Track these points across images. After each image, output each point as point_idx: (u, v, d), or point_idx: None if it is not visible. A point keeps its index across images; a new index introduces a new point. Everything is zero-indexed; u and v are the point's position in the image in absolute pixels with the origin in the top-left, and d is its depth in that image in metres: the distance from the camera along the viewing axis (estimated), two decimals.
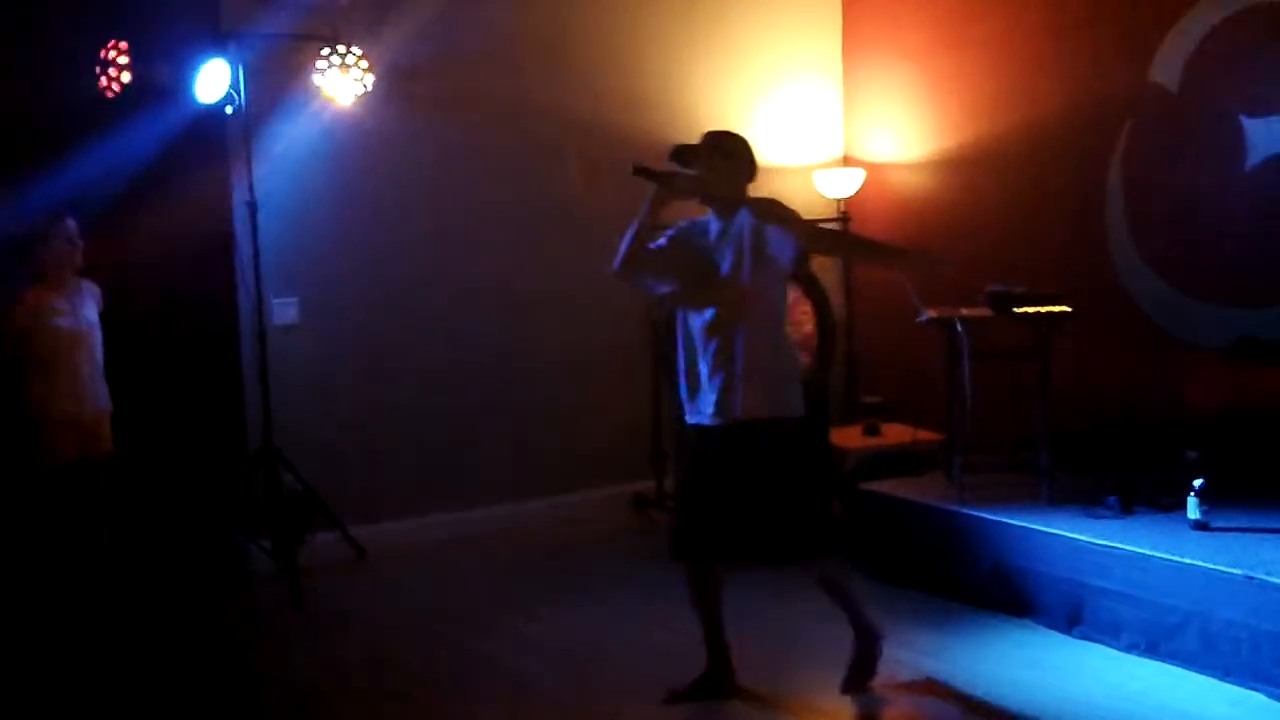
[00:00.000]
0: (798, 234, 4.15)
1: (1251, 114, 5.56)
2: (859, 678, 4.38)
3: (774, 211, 4.16)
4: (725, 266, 4.18)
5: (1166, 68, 5.89)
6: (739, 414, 4.15)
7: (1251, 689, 4.21)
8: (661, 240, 4.30)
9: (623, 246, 4.23)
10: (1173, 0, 5.85)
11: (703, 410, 4.24)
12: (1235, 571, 4.30)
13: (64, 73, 5.42)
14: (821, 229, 4.23)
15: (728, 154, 4.28)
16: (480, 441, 6.67)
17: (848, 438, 6.76)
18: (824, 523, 4.47)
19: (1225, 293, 5.69)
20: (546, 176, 6.79)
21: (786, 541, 4.26)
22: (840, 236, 4.22)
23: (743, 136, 4.36)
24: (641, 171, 4.20)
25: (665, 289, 4.41)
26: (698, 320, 4.26)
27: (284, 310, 6.07)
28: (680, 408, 4.42)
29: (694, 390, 4.28)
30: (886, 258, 4.83)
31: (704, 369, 4.23)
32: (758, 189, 4.34)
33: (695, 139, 4.35)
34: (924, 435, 6.45)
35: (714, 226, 4.28)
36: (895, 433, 6.72)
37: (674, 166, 4.25)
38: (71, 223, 5.09)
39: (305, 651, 4.98)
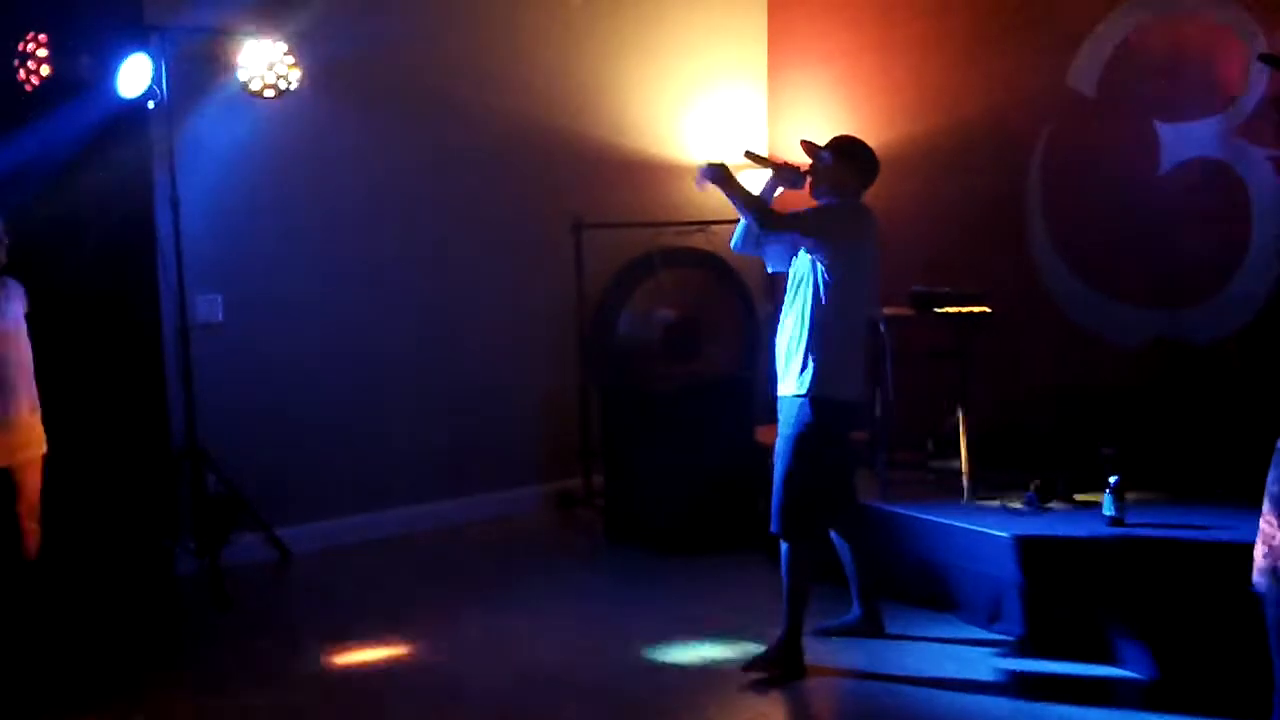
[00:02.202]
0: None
1: (1165, 120, 5.70)
2: (764, 663, 4.54)
3: (855, 206, 4.59)
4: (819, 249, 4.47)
5: (1083, 74, 6.02)
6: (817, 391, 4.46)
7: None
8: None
9: (740, 227, 4.64)
10: (1089, 8, 5.97)
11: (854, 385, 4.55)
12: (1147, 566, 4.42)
13: None
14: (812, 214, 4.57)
15: (854, 154, 4.62)
16: (406, 441, 6.64)
17: (771, 434, 6.79)
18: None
19: (1142, 294, 5.83)
20: (472, 174, 6.78)
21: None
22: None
23: (864, 144, 4.67)
24: (752, 157, 4.73)
25: (782, 266, 4.68)
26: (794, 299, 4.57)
27: (208, 308, 6.00)
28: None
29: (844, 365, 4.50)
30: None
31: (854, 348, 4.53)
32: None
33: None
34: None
35: (825, 208, 4.61)
36: None
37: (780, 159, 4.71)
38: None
39: (228, 653, 4.94)
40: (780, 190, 4.67)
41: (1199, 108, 5.59)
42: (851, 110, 7.26)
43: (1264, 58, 4.64)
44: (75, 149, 5.41)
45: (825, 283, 4.41)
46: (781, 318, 4.62)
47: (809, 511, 4.53)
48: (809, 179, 4.63)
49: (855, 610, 4.90)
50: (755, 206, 4.47)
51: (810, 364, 4.43)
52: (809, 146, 4.66)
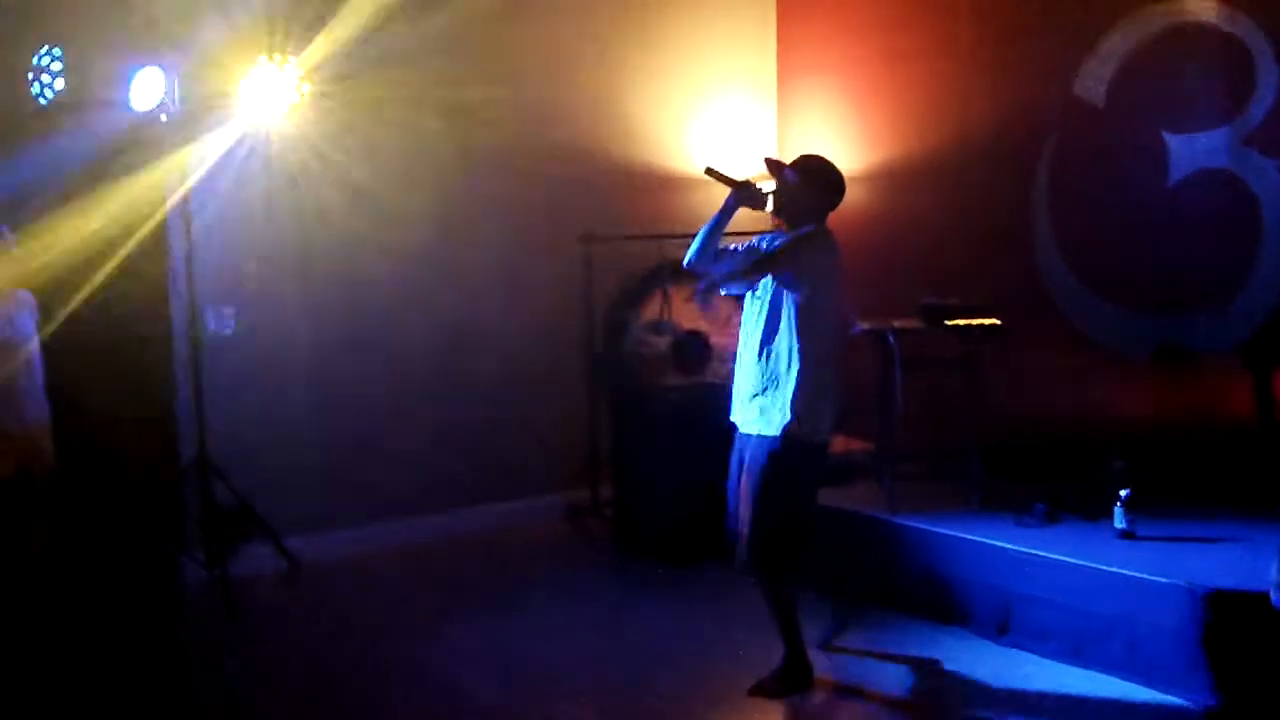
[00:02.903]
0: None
1: (1174, 131, 5.70)
2: (771, 684, 4.50)
3: (820, 235, 4.41)
4: (779, 279, 4.33)
5: (1091, 84, 6.02)
6: (809, 432, 4.32)
7: (1175, 696, 4.32)
8: (739, 244, 4.53)
9: (696, 243, 4.46)
10: (1097, 18, 5.98)
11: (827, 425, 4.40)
12: (1160, 579, 4.41)
13: None
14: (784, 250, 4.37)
15: (817, 174, 4.49)
16: (415, 452, 6.63)
17: None
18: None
19: (1148, 302, 5.83)
20: (482, 187, 6.79)
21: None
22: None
23: (830, 163, 4.54)
24: (713, 174, 4.52)
25: (735, 289, 4.51)
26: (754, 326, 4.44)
27: (219, 319, 6.02)
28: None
29: (818, 407, 4.36)
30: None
31: (828, 386, 4.36)
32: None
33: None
34: (855, 444, 6.51)
35: (781, 240, 4.46)
36: None
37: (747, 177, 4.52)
38: (5, 230, 4.97)
39: (238, 663, 4.94)
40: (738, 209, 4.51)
41: (1207, 118, 5.59)
42: (860, 120, 7.27)
43: (709, 173, 4.53)
44: (88, 161, 5.46)
45: (799, 319, 4.29)
46: (742, 349, 4.46)
47: (785, 547, 4.40)
48: (771, 199, 4.51)
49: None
50: (738, 257, 4.42)
51: (788, 404, 4.29)
52: (773, 165, 4.55)
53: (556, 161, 6.96)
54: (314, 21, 6.11)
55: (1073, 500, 5.28)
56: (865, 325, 5.53)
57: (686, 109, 7.51)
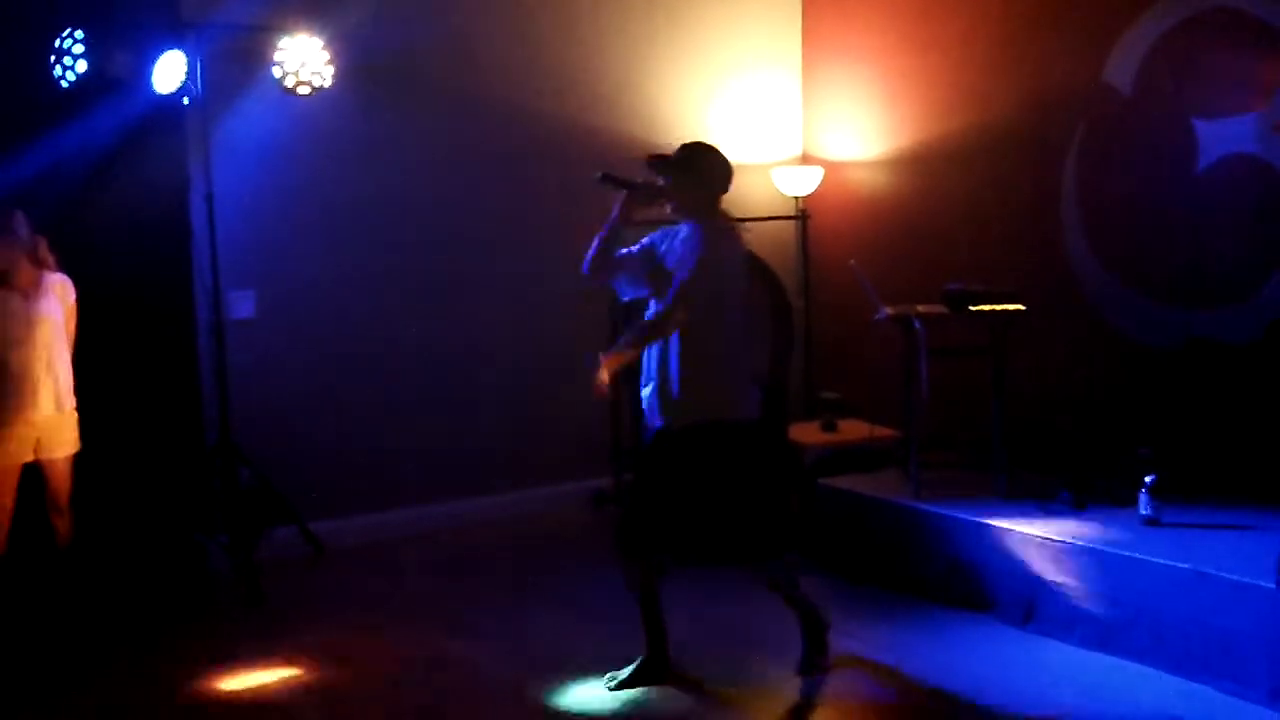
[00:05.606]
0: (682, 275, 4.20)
1: (1203, 117, 5.64)
2: (813, 662, 4.49)
3: (703, 239, 4.22)
4: (677, 275, 4.23)
5: (1120, 70, 5.96)
6: (683, 418, 4.27)
7: (1200, 682, 4.29)
8: (634, 247, 4.41)
9: (590, 250, 4.36)
10: (1127, 4, 5.91)
11: (653, 412, 4.35)
12: (1184, 566, 4.38)
13: (18, 62, 5.35)
14: (679, 292, 4.20)
15: (690, 167, 4.35)
16: (440, 437, 6.64)
17: (805, 433, 6.79)
18: (775, 525, 4.50)
19: (1177, 293, 5.77)
20: (508, 171, 6.78)
21: (738, 543, 4.38)
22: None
23: (714, 149, 4.42)
24: (608, 179, 4.34)
25: (636, 293, 4.47)
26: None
27: (241, 304, 6.02)
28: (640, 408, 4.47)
29: (650, 391, 4.36)
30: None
31: (653, 371, 4.33)
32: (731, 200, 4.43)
33: (655, 136, 4.41)
34: (880, 431, 6.49)
35: (682, 233, 4.35)
36: (851, 429, 6.76)
37: (649, 174, 4.34)
38: (21, 216, 4.95)
39: (262, 649, 4.95)
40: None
41: (1237, 103, 5.52)
42: (886, 106, 7.23)
43: (604, 178, 4.36)
44: (110, 145, 5.47)
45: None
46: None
47: (632, 530, 4.41)
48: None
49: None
50: (652, 322, 4.29)
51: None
52: (655, 161, 4.38)
53: (578, 144, 6.93)
54: (339, 3, 6.12)
55: (1099, 488, 5.24)
56: (889, 311, 5.49)
57: (710, 93, 7.46)
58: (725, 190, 4.39)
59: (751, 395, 4.41)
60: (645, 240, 4.46)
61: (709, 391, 4.26)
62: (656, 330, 4.27)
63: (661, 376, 4.29)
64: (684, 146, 4.45)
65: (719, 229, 4.31)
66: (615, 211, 4.34)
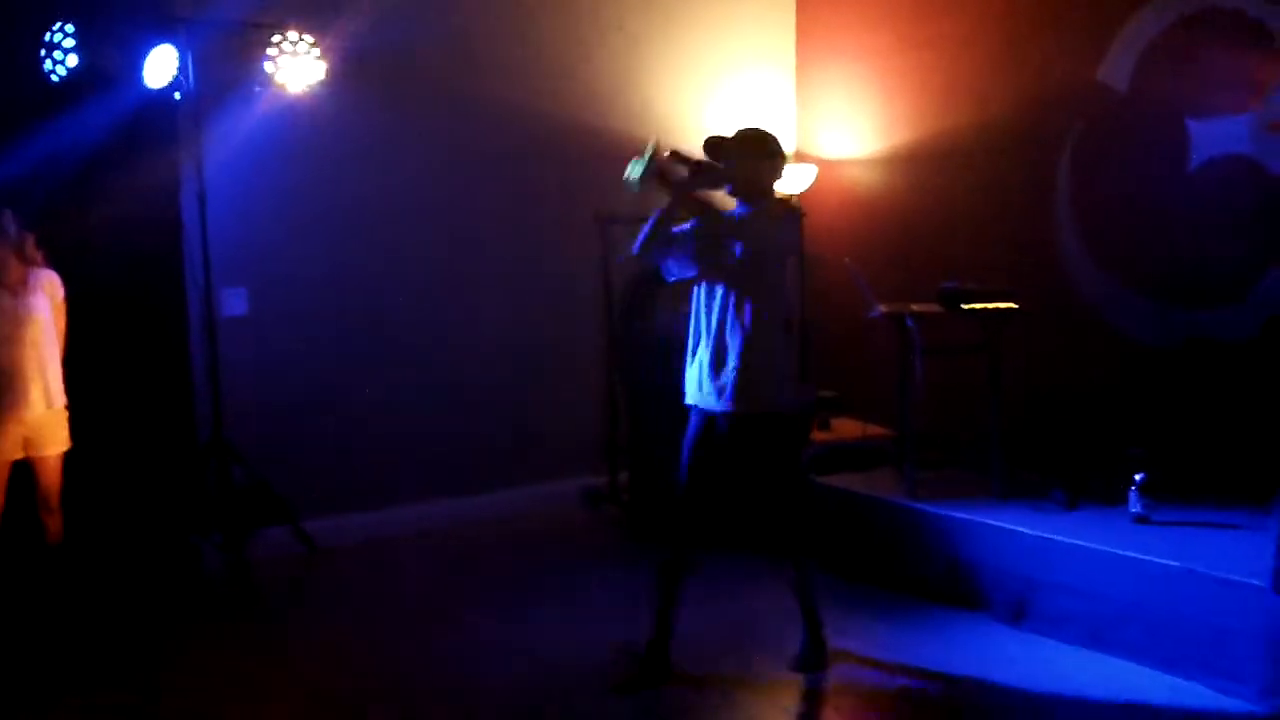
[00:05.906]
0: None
1: (1196, 116, 5.63)
2: (810, 659, 4.52)
3: (766, 213, 4.33)
4: (732, 257, 4.26)
5: (1115, 69, 5.95)
6: (738, 406, 4.27)
7: (1191, 680, 4.29)
8: (685, 225, 4.41)
9: (644, 229, 4.35)
10: (1122, 3, 5.91)
11: (707, 396, 4.34)
12: (1174, 564, 4.38)
13: (7, 56, 5.34)
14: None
15: (752, 151, 4.40)
16: (433, 435, 6.63)
17: None
18: (809, 518, 4.54)
19: (1172, 292, 5.76)
20: (497, 168, 6.76)
21: (779, 533, 4.48)
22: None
23: (772, 135, 4.47)
24: (676, 157, 4.38)
25: (683, 274, 4.46)
26: (708, 306, 4.37)
27: (234, 301, 6.01)
28: (680, 389, 4.48)
29: (699, 375, 4.37)
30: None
31: (710, 353, 4.33)
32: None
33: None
34: (873, 430, 6.49)
35: (736, 216, 4.39)
36: (845, 427, 6.76)
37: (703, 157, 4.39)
38: (9, 213, 4.94)
39: (255, 647, 4.94)
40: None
41: (1231, 103, 5.52)
42: (881, 104, 7.22)
43: (674, 156, 4.38)
44: (102, 141, 5.46)
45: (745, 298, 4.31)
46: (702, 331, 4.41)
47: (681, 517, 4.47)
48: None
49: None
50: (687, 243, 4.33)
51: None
52: (712, 145, 4.41)
53: (573, 143, 6.92)
54: (334, 2, 6.11)
55: (1093, 486, 5.23)
56: (884, 309, 5.48)
57: (704, 91, 7.45)
58: (780, 176, 4.48)
59: (799, 387, 4.42)
60: (688, 224, 4.45)
61: (768, 382, 4.30)
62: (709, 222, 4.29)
63: (718, 360, 4.30)
64: (744, 130, 4.48)
65: (774, 215, 4.40)
66: (673, 192, 4.33)
